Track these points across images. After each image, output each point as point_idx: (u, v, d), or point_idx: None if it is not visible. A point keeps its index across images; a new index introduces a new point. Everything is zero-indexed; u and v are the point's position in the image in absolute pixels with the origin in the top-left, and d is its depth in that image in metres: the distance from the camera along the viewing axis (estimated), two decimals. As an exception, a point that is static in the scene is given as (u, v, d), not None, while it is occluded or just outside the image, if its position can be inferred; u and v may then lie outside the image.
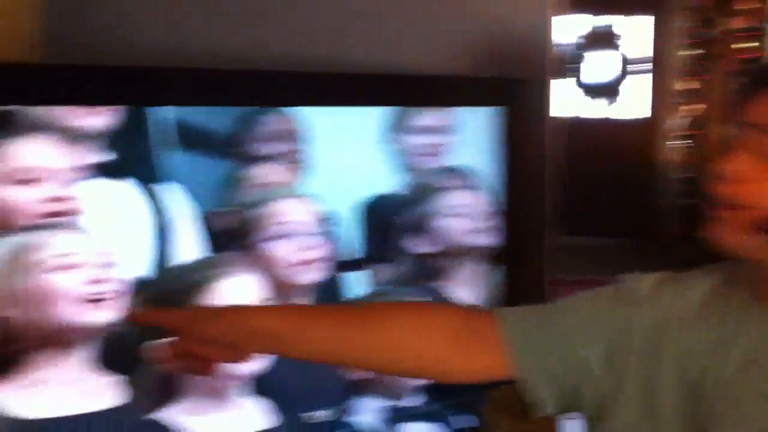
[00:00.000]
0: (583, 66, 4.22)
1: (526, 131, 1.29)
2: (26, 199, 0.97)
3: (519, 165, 1.30)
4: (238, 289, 1.10)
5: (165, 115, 1.06)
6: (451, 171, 1.32)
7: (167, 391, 1.05)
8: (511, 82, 1.28)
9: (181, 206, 1.09)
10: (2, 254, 0.96)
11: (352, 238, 1.25)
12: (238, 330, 0.84)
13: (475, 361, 0.85)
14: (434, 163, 1.32)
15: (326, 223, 1.20)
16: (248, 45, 1.29)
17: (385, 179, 1.28)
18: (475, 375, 0.87)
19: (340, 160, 1.20)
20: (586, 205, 3.85)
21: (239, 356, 0.86)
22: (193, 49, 1.26)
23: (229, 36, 1.28)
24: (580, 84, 4.26)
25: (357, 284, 1.25)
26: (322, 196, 1.19)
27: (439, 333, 0.85)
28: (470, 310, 1.03)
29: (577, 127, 4.02)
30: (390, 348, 0.85)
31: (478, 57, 1.32)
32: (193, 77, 1.07)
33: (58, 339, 0.99)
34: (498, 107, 1.29)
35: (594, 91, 4.27)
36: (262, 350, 0.94)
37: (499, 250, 1.35)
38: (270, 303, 1.09)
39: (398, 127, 1.28)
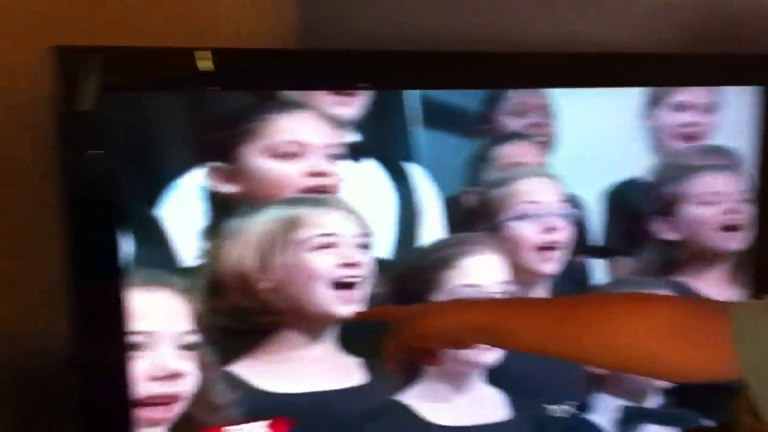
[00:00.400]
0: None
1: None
2: (291, 171, 0.97)
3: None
4: (482, 268, 1.09)
5: (413, 96, 1.05)
6: (710, 152, 1.23)
7: (407, 374, 1.04)
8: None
9: (427, 187, 1.07)
10: (266, 226, 0.97)
11: (596, 222, 1.19)
12: (460, 327, 0.87)
13: (698, 360, 0.77)
14: (691, 144, 1.23)
15: (572, 206, 1.15)
16: (489, 28, 1.27)
17: (635, 161, 1.20)
18: (697, 375, 0.81)
19: (587, 140, 1.14)
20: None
21: (462, 348, 0.90)
22: (437, 33, 1.26)
23: (471, 19, 1.28)
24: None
25: (599, 272, 1.20)
26: (569, 178, 1.14)
27: (659, 328, 0.77)
28: (699, 303, 0.94)
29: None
30: (607, 344, 0.80)
31: (727, 34, 1.23)
32: (442, 60, 1.06)
33: (309, 318, 1.00)
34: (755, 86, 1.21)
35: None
36: (483, 344, 0.98)
37: (755, 242, 1.25)
38: (497, 296, 1.07)
39: (654, 104, 1.21)
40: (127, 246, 0.89)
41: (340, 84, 0.99)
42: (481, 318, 0.87)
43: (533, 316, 0.85)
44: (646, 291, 1.15)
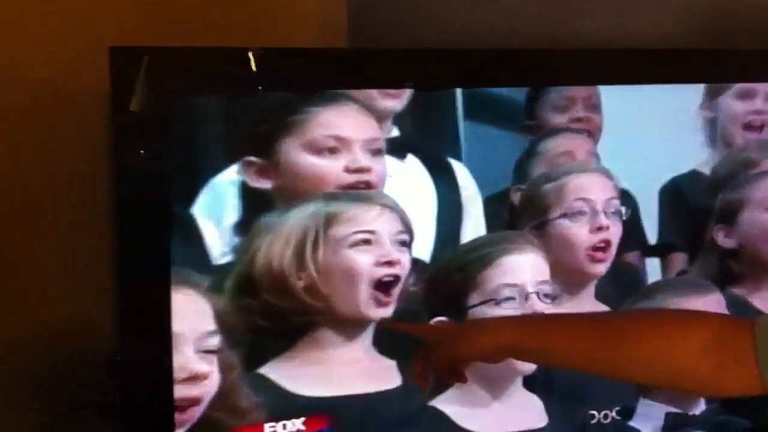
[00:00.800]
0: None
1: None
2: (332, 166, 0.94)
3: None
4: (525, 268, 1.04)
5: (457, 92, 1.02)
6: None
7: (442, 379, 0.99)
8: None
9: (471, 184, 1.04)
10: (304, 222, 0.94)
11: (649, 221, 1.13)
12: (502, 346, 0.86)
13: (727, 375, 0.79)
14: (758, 136, 1.17)
15: (624, 205, 1.10)
16: (529, 24, 1.27)
17: (692, 156, 1.15)
18: (728, 390, 0.82)
19: (640, 134, 1.10)
20: None
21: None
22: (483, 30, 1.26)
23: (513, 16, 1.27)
24: None
25: (650, 274, 1.15)
26: (622, 174, 1.09)
27: (693, 345, 0.79)
28: (732, 319, 0.95)
29: None
30: (655, 362, 0.81)
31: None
32: (485, 58, 1.03)
33: (345, 318, 0.97)
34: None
35: None
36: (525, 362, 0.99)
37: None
38: (540, 298, 1.04)
39: (715, 94, 1.15)
40: (176, 245, 0.88)
41: (385, 83, 0.97)
42: (524, 337, 0.86)
43: (577, 335, 0.84)
44: (684, 306, 1.11)
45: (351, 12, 1.38)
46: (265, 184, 0.93)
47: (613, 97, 1.08)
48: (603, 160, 1.09)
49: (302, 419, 0.95)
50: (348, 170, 0.94)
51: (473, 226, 1.04)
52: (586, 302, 1.10)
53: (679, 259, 1.16)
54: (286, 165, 0.94)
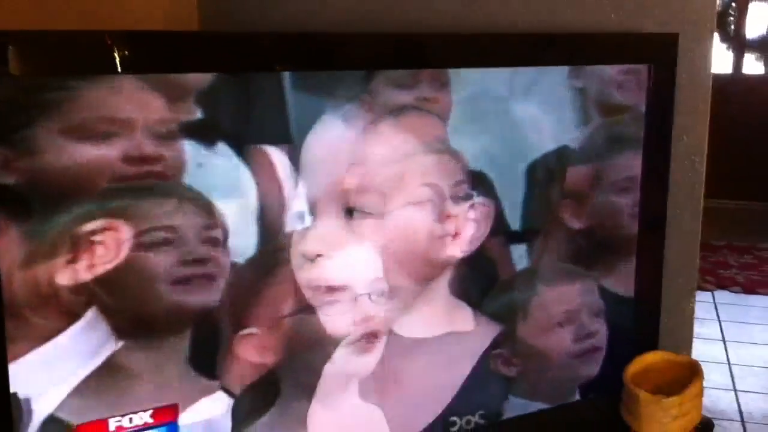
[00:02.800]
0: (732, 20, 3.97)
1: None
2: (106, 156, 0.80)
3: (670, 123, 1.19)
4: (351, 267, 0.93)
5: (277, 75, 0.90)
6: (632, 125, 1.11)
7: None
8: (656, 38, 1.18)
9: (292, 172, 0.91)
10: (76, 225, 0.81)
11: (507, 204, 1.05)
12: None
13: None
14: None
15: (478, 188, 1.01)
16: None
17: (564, 132, 1.08)
18: None
19: (493, 113, 1.03)
20: (732, 168, 3.66)
21: None
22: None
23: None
24: (726, 39, 4.02)
25: (511, 259, 1.07)
26: (480, 156, 1.01)
27: None
28: None
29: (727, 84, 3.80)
30: None
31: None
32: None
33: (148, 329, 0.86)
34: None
35: (748, 46, 4.02)
36: None
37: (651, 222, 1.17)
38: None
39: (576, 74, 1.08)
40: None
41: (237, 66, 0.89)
42: None
43: None
44: (552, 296, 1.08)
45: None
46: (7, 179, 0.78)
47: (468, 78, 1.01)
48: (456, 140, 0.99)
49: (150, 411, 0.91)
50: (128, 160, 0.81)
51: (299, 219, 0.92)
52: (439, 298, 1.01)
53: (542, 244, 1.09)
54: (41, 155, 0.78)
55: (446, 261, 1.01)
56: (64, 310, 0.82)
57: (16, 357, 0.81)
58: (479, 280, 1.05)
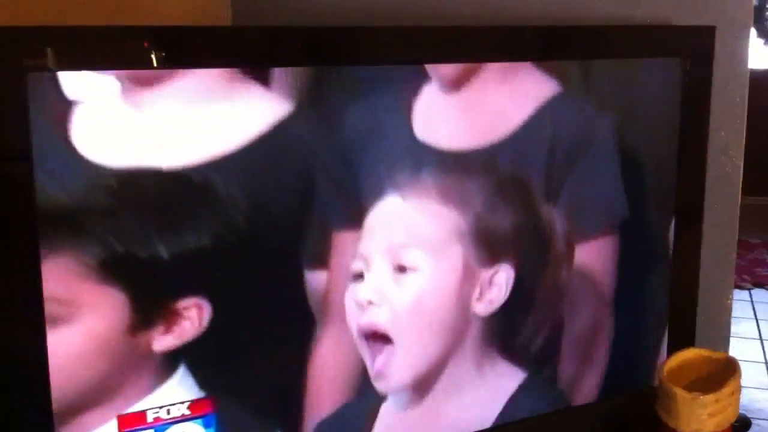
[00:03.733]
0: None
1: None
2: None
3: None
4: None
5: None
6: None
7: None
8: (693, 31, 1.17)
9: None
10: None
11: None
12: None
13: None
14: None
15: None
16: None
17: None
18: None
19: None
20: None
21: None
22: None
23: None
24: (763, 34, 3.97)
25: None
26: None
27: None
28: None
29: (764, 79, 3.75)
30: None
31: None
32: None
33: None
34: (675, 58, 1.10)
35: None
36: None
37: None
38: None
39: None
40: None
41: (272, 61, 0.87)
42: None
43: None
44: None
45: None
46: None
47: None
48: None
49: (186, 403, 0.94)
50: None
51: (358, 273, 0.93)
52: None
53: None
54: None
55: (474, 316, 0.99)
56: (156, 370, 0.85)
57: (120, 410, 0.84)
58: (509, 331, 1.03)
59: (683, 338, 1.18)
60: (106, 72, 0.82)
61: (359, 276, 0.91)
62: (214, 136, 0.84)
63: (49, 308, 0.79)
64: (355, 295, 0.91)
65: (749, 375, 2.28)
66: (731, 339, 1.27)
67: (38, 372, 0.81)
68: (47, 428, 0.81)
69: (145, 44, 0.83)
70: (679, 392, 1.04)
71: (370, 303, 0.91)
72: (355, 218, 0.91)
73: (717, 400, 1.03)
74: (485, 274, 0.96)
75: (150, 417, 0.90)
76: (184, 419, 0.91)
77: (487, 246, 0.95)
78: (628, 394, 1.17)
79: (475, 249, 0.95)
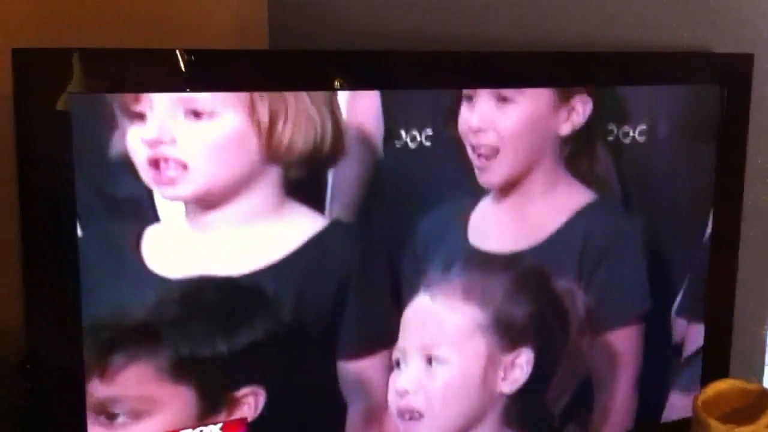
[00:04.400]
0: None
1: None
2: None
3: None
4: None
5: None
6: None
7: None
8: (734, 58, 1.16)
9: None
10: None
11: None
12: None
13: None
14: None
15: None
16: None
17: None
18: None
19: None
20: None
21: None
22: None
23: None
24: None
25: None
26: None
27: None
28: None
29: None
30: None
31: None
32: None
33: None
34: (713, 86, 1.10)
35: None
36: None
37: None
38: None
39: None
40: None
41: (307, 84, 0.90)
42: None
43: None
44: None
45: (272, 14, 1.39)
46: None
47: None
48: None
49: (219, 425, 0.94)
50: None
51: (397, 366, 1.01)
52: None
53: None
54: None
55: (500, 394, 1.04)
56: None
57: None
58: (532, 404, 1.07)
59: (717, 368, 1.16)
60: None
61: (397, 365, 0.98)
62: (266, 248, 0.91)
63: (129, 407, 0.87)
64: (395, 384, 0.98)
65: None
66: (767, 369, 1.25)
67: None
68: None
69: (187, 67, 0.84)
70: (714, 424, 1.03)
71: (407, 392, 0.99)
72: (393, 316, 0.98)
73: (753, 433, 1.02)
74: (507, 358, 1.02)
75: (183, 439, 0.91)
76: (217, 441, 0.92)
77: (509, 334, 1.02)
78: (662, 427, 1.16)
79: (497, 338, 1.02)
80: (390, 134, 0.93)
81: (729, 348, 1.19)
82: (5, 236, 1.04)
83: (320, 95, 0.89)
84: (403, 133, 0.94)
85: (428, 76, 0.97)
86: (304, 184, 0.90)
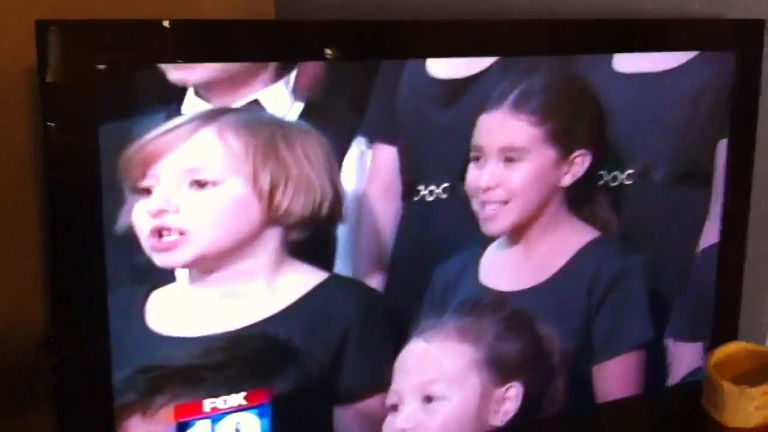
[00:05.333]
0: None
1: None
2: None
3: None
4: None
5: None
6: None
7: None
8: (745, 24, 1.17)
9: None
10: None
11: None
12: None
13: None
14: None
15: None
16: None
17: None
18: None
19: None
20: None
21: None
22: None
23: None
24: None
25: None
26: None
27: None
28: None
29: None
30: None
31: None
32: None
33: None
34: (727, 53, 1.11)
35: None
36: None
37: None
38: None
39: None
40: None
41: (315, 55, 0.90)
42: None
43: None
44: None
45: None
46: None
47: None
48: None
49: (243, 393, 0.95)
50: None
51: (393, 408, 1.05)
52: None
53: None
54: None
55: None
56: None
57: None
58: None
59: (726, 333, 1.18)
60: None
61: (394, 408, 1.01)
62: (271, 300, 0.93)
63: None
64: (393, 425, 1.01)
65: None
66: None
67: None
68: None
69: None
70: (726, 385, 1.05)
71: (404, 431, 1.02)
72: (389, 361, 1.01)
73: (764, 393, 1.04)
74: (499, 391, 1.06)
75: (207, 407, 0.91)
76: (240, 409, 0.93)
77: (501, 370, 1.06)
78: (675, 389, 1.17)
79: (489, 374, 1.05)
80: (409, 189, 0.97)
81: (738, 314, 1.21)
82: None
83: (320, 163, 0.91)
84: (421, 187, 0.97)
85: (439, 44, 0.98)
86: (305, 243, 0.93)
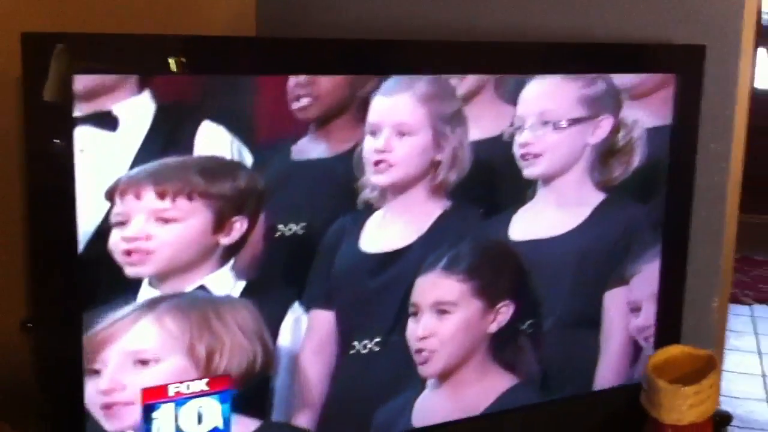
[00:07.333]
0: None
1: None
2: None
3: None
4: None
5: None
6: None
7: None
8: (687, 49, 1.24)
9: None
10: None
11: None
12: None
13: None
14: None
15: None
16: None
17: None
18: None
19: None
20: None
21: None
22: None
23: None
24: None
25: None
26: None
27: None
28: None
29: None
30: None
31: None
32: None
33: None
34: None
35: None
36: None
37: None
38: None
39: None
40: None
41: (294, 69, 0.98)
42: None
43: None
44: None
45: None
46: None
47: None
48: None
49: (206, 380, 1.00)
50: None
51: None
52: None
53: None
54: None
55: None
56: None
57: None
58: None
59: (669, 338, 1.25)
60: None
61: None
62: None
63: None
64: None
65: (747, 387, 2.34)
66: (731, 353, 1.31)
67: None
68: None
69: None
70: (662, 383, 1.11)
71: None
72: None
73: (697, 392, 1.10)
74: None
75: (171, 391, 0.98)
76: (202, 394, 0.99)
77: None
78: (617, 388, 1.24)
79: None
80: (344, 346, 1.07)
81: (680, 320, 1.27)
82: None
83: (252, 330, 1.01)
84: (356, 343, 1.08)
85: (414, 64, 1.06)
86: (241, 396, 1.01)
